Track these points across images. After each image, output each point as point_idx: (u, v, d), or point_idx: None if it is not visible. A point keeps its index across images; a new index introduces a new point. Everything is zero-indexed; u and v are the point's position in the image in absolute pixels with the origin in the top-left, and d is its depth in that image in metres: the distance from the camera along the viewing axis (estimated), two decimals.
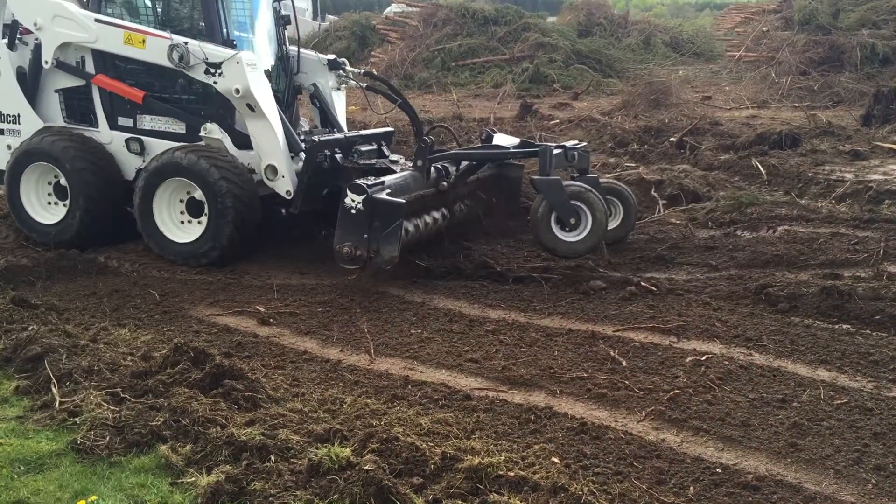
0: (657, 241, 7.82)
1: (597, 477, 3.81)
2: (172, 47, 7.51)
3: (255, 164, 7.68)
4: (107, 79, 8.08)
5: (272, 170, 7.52)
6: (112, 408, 4.40)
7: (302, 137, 8.07)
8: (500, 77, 22.58)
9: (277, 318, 6.14)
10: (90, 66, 8.10)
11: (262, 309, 6.28)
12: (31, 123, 8.26)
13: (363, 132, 8.92)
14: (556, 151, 7.68)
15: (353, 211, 6.55)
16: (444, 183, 7.65)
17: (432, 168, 7.63)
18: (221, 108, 7.81)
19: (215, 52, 7.49)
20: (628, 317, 5.96)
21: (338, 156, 7.55)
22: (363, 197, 6.53)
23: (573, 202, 7.33)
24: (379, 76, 9.31)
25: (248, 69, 7.41)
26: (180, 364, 4.77)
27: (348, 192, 6.57)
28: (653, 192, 9.44)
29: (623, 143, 12.47)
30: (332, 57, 9.13)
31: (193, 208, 7.64)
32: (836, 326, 5.66)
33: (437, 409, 4.56)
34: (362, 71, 9.68)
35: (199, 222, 7.59)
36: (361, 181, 6.66)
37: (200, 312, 6.30)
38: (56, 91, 8.33)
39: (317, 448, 3.92)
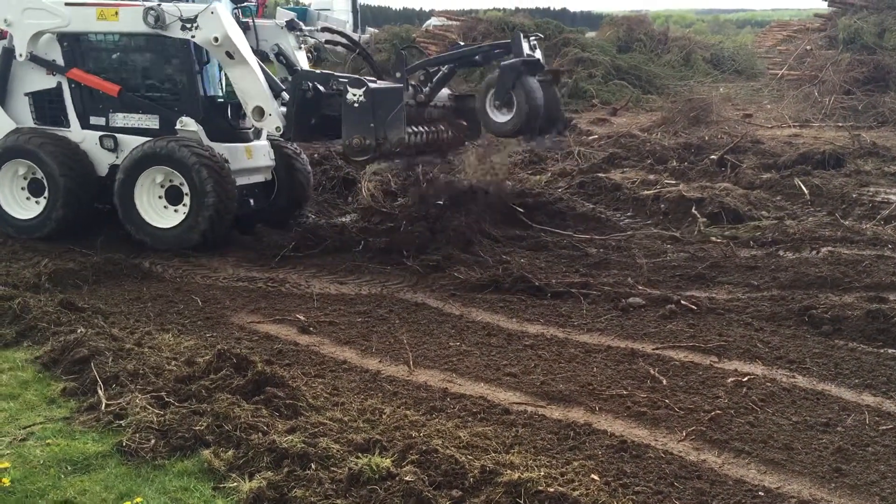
0: (697, 259, 7.76)
1: (636, 496, 3.78)
2: (147, 11, 7.82)
3: (228, 154, 8.27)
4: (82, 73, 8.36)
5: (259, 111, 7.87)
6: (157, 411, 4.47)
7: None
8: None
9: (317, 326, 6.19)
10: (61, 62, 8.41)
11: (302, 317, 6.34)
12: (2, 125, 8.51)
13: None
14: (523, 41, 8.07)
15: (356, 105, 7.03)
16: (422, 95, 8.09)
17: (409, 85, 7.97)
18: (193, 102, 8.30)
19: (189, 7, 7.88)
20: (668, 335, 5.91)
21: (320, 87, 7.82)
22: (363, 89, 7.04)
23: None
24: (336, 29, 9.42)
25: (224, 17, 7.78)
26: (223, 370, 4.84)
27: (348, 89, 7.07)
28: (693, 210, 9.37)
29: (662, 160, 12.41)
30: (288, 18, 9.26)
31: (173, 196, 8.09)
32: (882, 351, 5.57)
33: (475, 422, 4.56)
34: (319, 27, 9.74)
35: (175, 209, 8.10)
36: (353, 77, 7.33)
37: (242, 319, 6.38)
38: (25, 94, 8.59)
39: (357, 457, 3.94)
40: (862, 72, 19.18)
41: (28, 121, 8.65)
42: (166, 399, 4.61)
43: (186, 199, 8.02)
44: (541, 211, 9.53)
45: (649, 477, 3.96)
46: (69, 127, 8.50)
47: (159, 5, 7.86)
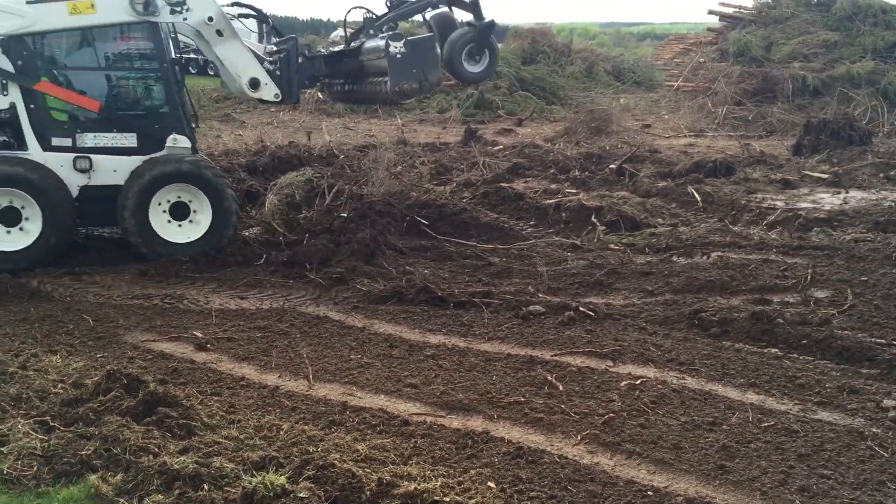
0: (596, 266, 7.96)
1: (532, 501, 3.85)
2: None
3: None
4: (53, 86, 7.88)
5: (254, 82, 8.35)
6: (40, 437, 4.29)
7: None
8: (445, 103, 22.78)
9: (215, 343, 6.07)
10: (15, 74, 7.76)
11: (199, 334, 6.20)
12: None
13: None
14: None
15: (398, 56, 8.11)
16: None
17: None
18: (178, 118, 8.29)
19: None
20: (566, 341, 6.04)
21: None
22: (403, 41, 8.16)
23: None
24: (245, 2, 9.48)
25: None
26: (112, 391, 4.69)
27: (390, 42, 8.11)
28: (593, 219, 9.61)
29: (565, 170, 12.69)
30: None
31: (179, 212, 8.18)
32: (766, 350, 5.83)
33: (374, 434, 4.55)
34: (231, 2, 9.67)
35: (184, 224, 8.20)
36: (390, 33, 8.40)
37: (136, 338, 6.19)
38: None
39: (251, 476, 3.88)
40: (752, 83, 20.12)
41: None
42: (51, 423, 4.44)
43: (194, 216, 8.22)
44: (445, 221, 9.60)
45: (544, 482, 4.04)
46: (27, 149, 7.86)
47: None
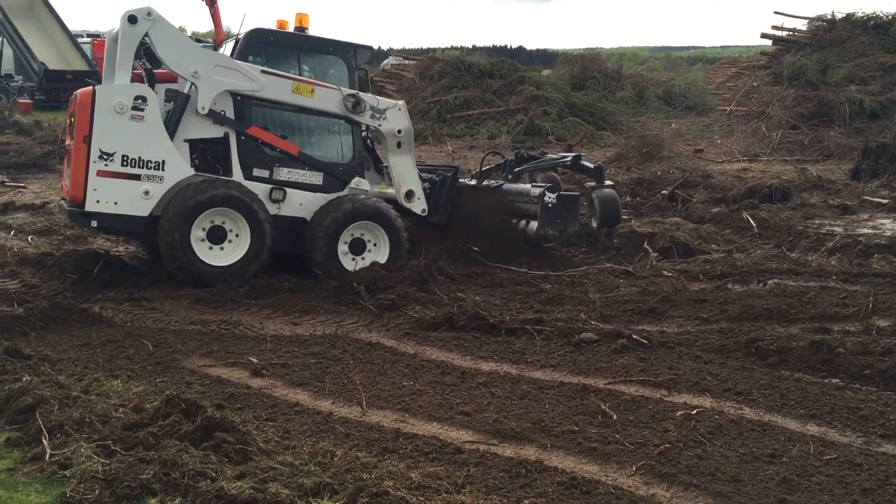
0: (649, 293, 7.88)
1: None
2: (348, 97, 8.80)
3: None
4: (261, 131, 8.64)
5: (410, 194, 9.17)
6: (102, 460, 4.38)
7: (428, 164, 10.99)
8: (494, 129, 22.89)
9: (270, 369, 6.15)
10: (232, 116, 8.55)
11: (255, 360, 6.29)
12: (178, 171, 8.30)
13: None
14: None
15: (550, 205, 9.08)
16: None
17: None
18: (361, 162, 9.17)
19: (383, 101, 9.13)
20: (619, 370, 5.98)
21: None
22: (556, 194, 9.17)
23: None
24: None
25: (406, 114, 9.14)
26: (171, 416, 4.76)
27: (546, 192, 9.15)
28: (645, 245, 9.53)
29: None
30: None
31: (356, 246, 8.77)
32: (826, 381, 5.70)
33: (427, 462, 4.55)
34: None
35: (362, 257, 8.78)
36: (546, 185, 9.57)
37: (193, 363, 6.31)
38: (185, 140, 8.46)
39: (306, 502, 3.91)
40: (807, 107, 19.79)
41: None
42: (112, 447, 4.52)
43: (370, 249, 8.82)
44: (496, 248, 9.60)
45: None
46: (231, 176, 8.56)
47: (358, 94, 8.87)
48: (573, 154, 11.46)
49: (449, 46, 41.27)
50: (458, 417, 5.20)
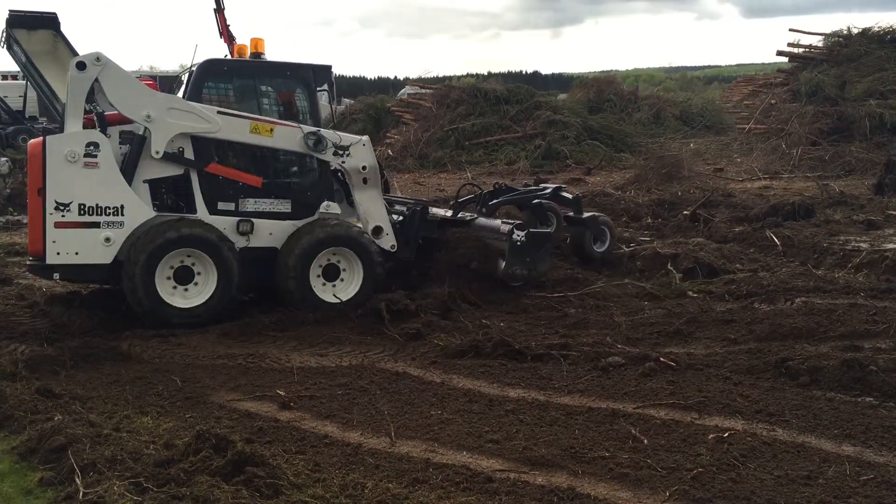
0: (674, 315, 7.83)
1: None
2: (308, 135, 8.59)
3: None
4: (222, 168, 8.56)
5: (378, 230, 8.97)
6: (135, 498, 4.41)
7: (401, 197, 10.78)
8: (513, 154, 22.98)
9: (298, 401, 6.15)
10: (190, 155, 8.44)
11: (282, 393, 6.31)
12: (138, 214, 8.17)
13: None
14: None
15: (518, 243, 8.78)
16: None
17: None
18: (330, 185, 9.03)
19: (345, 137, 8.91)
20: (648, 393, 5.94)
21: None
22: (525, 232, 8.86)
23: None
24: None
25: (371, 150, 8.97)
26: (202, 451, 4.78)
27: (515, 231, 8.84)
28: (668, 266, 9.48)
29: (637, 217, 12.61)
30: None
31: (329, 274, 8.68)
32: (859, 399, 5.62)
33: (459, 492, 4.53)
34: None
35: (333, 284, 8.67)
36: (515, 223, 9.17)
37: (222, 398, 6.33)
38: (144, 182, 8.34)
39: None
40: (826, 123, 19.71)
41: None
42: (145, 484, 4.54)
43: (344, 275, 8.72)
44: None
45: None
46: (196, 212, 8.46)
47: (319, 131, 8.68)
48: (554, 185, 11.42)
49: (465, 74, 41.61)
50: (488, 446, 5.18)
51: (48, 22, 9.57)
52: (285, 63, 9.35)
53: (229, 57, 9.47)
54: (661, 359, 6.52)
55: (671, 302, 8.37)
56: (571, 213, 10.50)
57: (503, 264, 8.91)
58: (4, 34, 9.36)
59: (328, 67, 9.44)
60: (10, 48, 9.32)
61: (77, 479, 4.68)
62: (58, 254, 7.99)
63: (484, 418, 5.66)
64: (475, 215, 9.94)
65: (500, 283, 9.22)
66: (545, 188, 11.19)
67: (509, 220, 9.44)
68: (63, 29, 9.80)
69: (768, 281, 8.67)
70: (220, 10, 12.71)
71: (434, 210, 10.09)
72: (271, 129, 8.57)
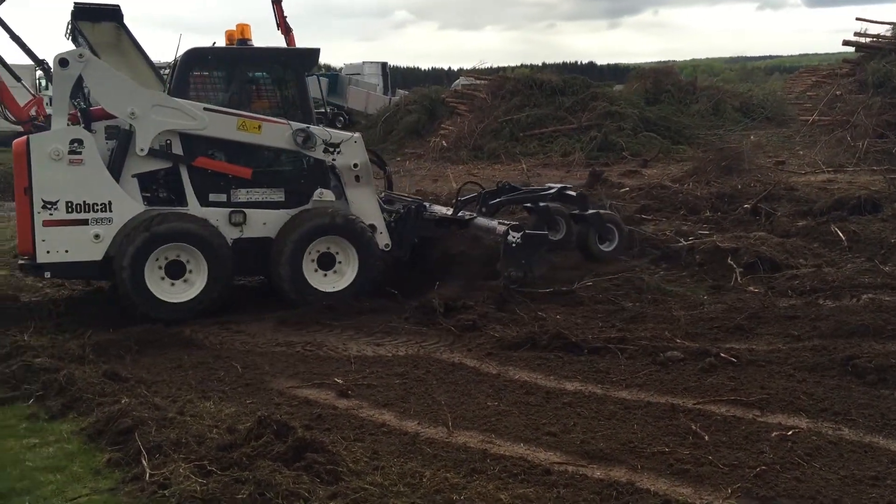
0: (735, 310, 7.68)
1: None
2: (297, 132, 8.48)
3: None
4: (209, 161, 8.54)
5: (372, 228, 8.80)
6: (200, 480, 4.50)
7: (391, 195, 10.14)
8: (568, 146, 22.78)
9: (355, 389, 6.22)
10: (178, 150, 8.39)
11: (340, 381, 6.38)
12: (126, 209, 8.16)
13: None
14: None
15: (513, 244, 8.43)
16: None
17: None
18: (323, 173, 8.85)
19: (336, 133, 8.77)
20: (708, 389, 5.84)
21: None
22: (521, 233, 8.51)
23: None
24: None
25: (363, 146, 8.78)
26: (264, 437, 4.87)
27: (511, 232, 8.50)
28: (729, 261, 9.31)
29: (695, 210, 12.40)
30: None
31: (325, 263, 8.66)
32: None
33: (516, 483, 4.53)
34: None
35: (325, 274, 8.66)
36: (511, 223, 8.82)
37: (281, 385, 6.44)
38: (133, 176, 8.32)
39: None
40: (894, 115, 19.08)
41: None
42: (209, 468, 4.65)
43: (338, 266, 8.70)
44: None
45: None
46: (186, 206, 8.44)
47: (308, 128, 8.56)
48: (559, 185, 11.01)
49: (519, 65, 41.39)
50: (545, 438, 5.16)
51: (112, 14, 9.78)
52: (271, 49, 9.27)
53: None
54: (722, 354, 6.41)
55: (732, 297, 8.21)
56: (576, 211, 10.23)
57: (498, 265, 8.65)
58: (69, 26, 9.59)
59: (316, 51, 9.31)
60: (74, 40, 9.54)
61: (143, 461, 4.82)
62: (48, 252, 7.97)
63: (541, 411, 5.64)
64: (474, 214, 9.66)
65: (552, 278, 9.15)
66: (549, 188, 10.83)
67: (506, 221, 9.15)
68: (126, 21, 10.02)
69: (833, 277, 8.45)
70: (277, 2, 12.89)
71: (435, 208, 9.86)
72: (259, 126, 8.47)
